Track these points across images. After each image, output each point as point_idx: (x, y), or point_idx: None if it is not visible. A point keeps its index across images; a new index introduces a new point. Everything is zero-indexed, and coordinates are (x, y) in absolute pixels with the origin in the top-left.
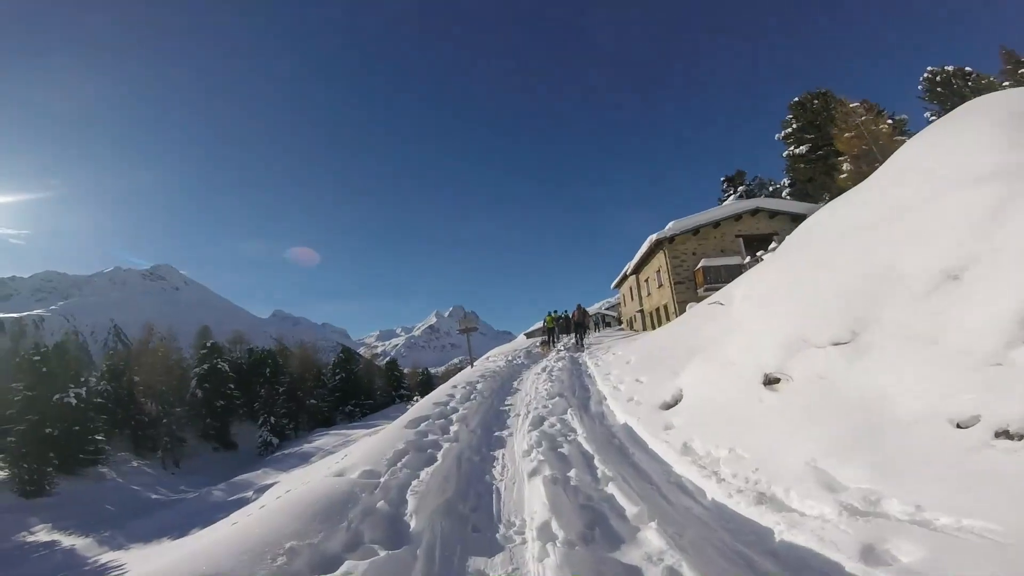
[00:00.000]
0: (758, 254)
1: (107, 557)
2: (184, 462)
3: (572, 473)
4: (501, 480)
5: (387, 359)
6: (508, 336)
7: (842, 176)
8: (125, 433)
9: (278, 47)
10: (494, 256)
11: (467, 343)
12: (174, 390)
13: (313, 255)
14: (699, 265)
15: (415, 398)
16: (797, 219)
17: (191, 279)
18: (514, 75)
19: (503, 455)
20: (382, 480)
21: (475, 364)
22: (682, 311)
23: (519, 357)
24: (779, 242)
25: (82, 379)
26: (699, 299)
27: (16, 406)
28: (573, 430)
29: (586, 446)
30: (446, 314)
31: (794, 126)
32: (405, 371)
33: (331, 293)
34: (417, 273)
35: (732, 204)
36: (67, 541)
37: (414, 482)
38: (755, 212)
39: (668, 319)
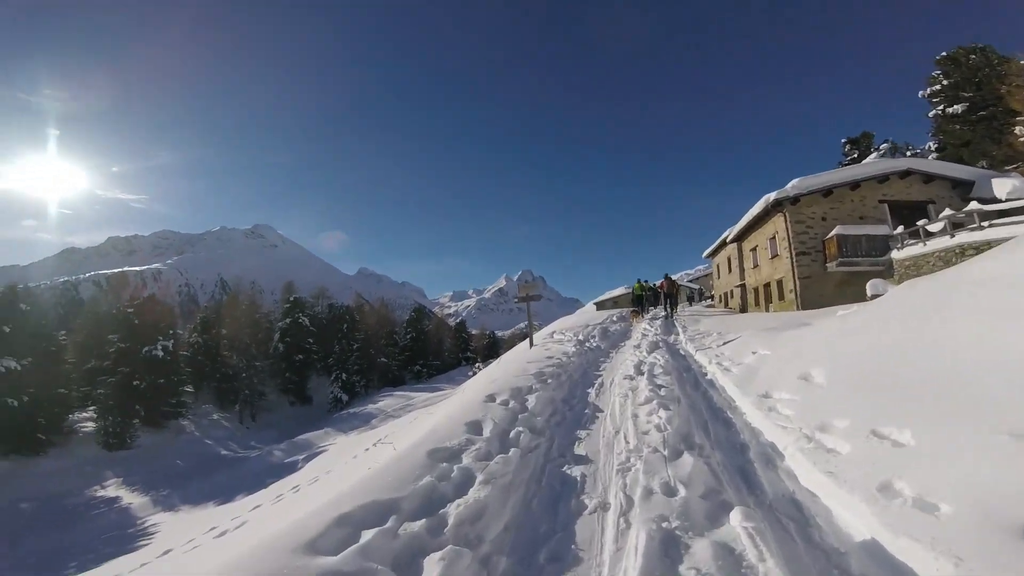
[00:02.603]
0: (921, 223)
1: (153, 520)
2: (261, 416)
3: None
4: None
5: (458, 320)
6: (575, 304)
7: (1021, 139)
8: (211, 386)
9: (377, 34)
10: (565, 222)
11: (528, 314)
12: (259, 343)
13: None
14: (832, 233)
15: (476, 365)
16: (959, 186)
17: (287, 238)
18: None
19: None
20: None
21: (536, 341)
22: (804, 288)
23: (593, 337)
24: (938, 212)
25: (171, 332)
26: (828, 274)
27: (111, 358)
28: None
29: None
30: (515, 278)
31: (944, 83)
32: (473, 332)
33: (412, 253)
34: (491, 236)
35: (877, 162)
36: (128, 498)
37: None
38: (906, 174)
39: (782, 297)
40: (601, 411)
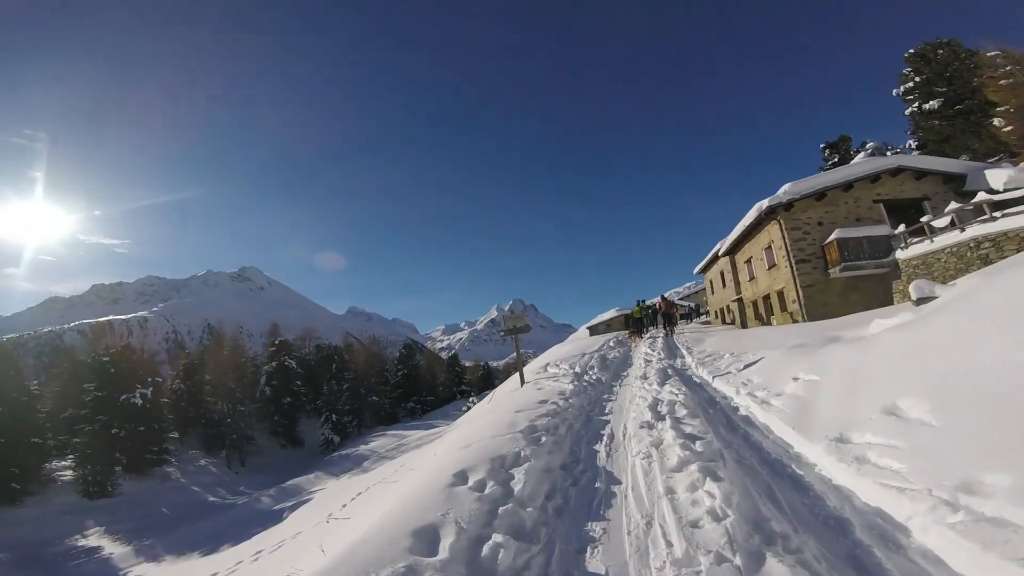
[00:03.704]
0: (926, 219)
1: (136, 571)
2: (250, 460)
3: None
4: None
5: (451, 353)
6: (568, 330)
7: (1007, 129)
8: (197, 431)
9: (360, 62)
10: (554, 249)
11: (516, 349)
12: (245, 388)
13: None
14: (832, 237)
15: (471, 399)
16: (952, 180)
17: (274, 280)
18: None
19: None
20: None
21: (528, 376)
22: (808, 297)
23: (591, 368)
24: (933, 209)
25: (149, 379)
26: (831, 281)
27: (87, 407)
28: None
29: None
30: (506, 307)
31: (916, 80)
32: (467, 365)
33: (402, 289)
34: (481, 267)
35: (867, 161)
36: (110, 548)
37: None
38: (897, 171)
39: (784, 309)
40: (618, 483)
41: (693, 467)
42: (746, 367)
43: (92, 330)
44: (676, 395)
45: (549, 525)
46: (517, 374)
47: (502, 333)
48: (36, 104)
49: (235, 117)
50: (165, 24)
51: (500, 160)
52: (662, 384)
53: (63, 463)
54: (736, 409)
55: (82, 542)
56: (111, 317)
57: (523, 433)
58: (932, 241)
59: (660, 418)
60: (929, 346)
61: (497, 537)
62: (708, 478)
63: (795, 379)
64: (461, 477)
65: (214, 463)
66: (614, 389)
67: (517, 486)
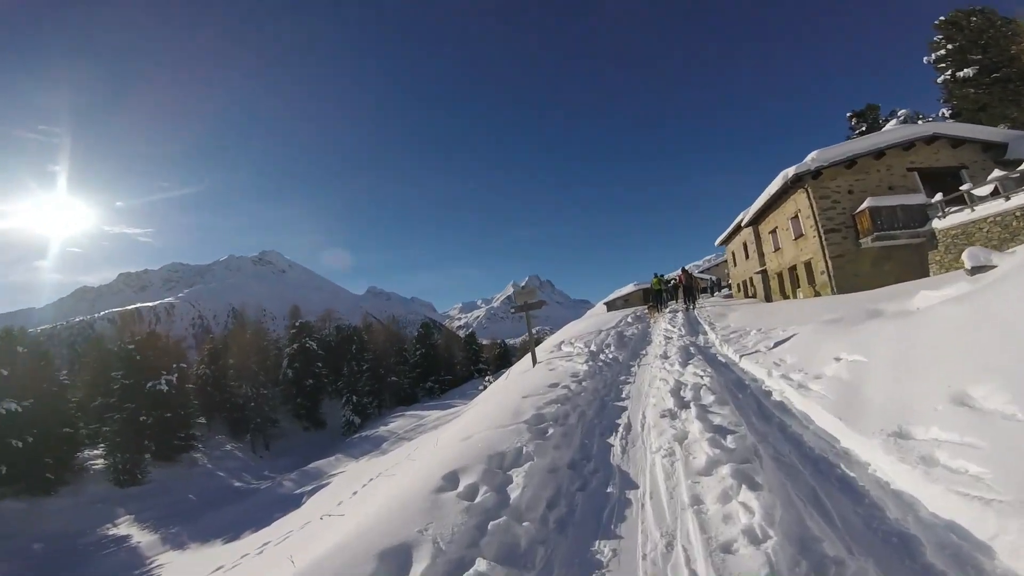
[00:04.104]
0: (966, 188)
1: (161, 559)
2: (275, 443)
3: None
4: None
5: (468, 331)
6: (585, 306)
7: None
8: (223, 416)
9: (369, 49)
10: (570, 223)
11: (528, 326)
12: (268, 371)
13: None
14: (864, 206)
15: (487, 378)
16: (991, 148)
17: (295, 262)
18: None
19: None
20: None
21: (541, 355)
22: (838, 268)
23: (608, 346)
24: (972, 177)
25: (174, 365)
26: (863, 251)
27: (115, 395)
28: None
29: None
30: (522, 284)
31: (948, 47)
32: (484, 343)
33: (419, 267)
34: (497, 244)
35: (899, 128)
36: (139, 536)
37: None
38: (932, 139)
39: (812, 281)
40: (634, 487)
41: (725, 470)
42: (777, 345)
43: (121, 318)
44: (701, 377)
45: (548, 544)
46: (525, 358)
47: (512, 310)
48: (52, 100)
49: (249, 106)
50: (177, 19)
51: (516, 137)
52: (684, 364)
53: (95, 452)
54: (768, 394)
55: (113, 531)
56: (139, 304)
57: (528, 424)
58: (973, 210)
59: (684, 405)
60: (998, 322)
61: (481, 564)
62: (744, 485)
63: (836, 359)
64: (451, 480)
65: (239, 447)
66: (632, 370)
67: (515, 492)
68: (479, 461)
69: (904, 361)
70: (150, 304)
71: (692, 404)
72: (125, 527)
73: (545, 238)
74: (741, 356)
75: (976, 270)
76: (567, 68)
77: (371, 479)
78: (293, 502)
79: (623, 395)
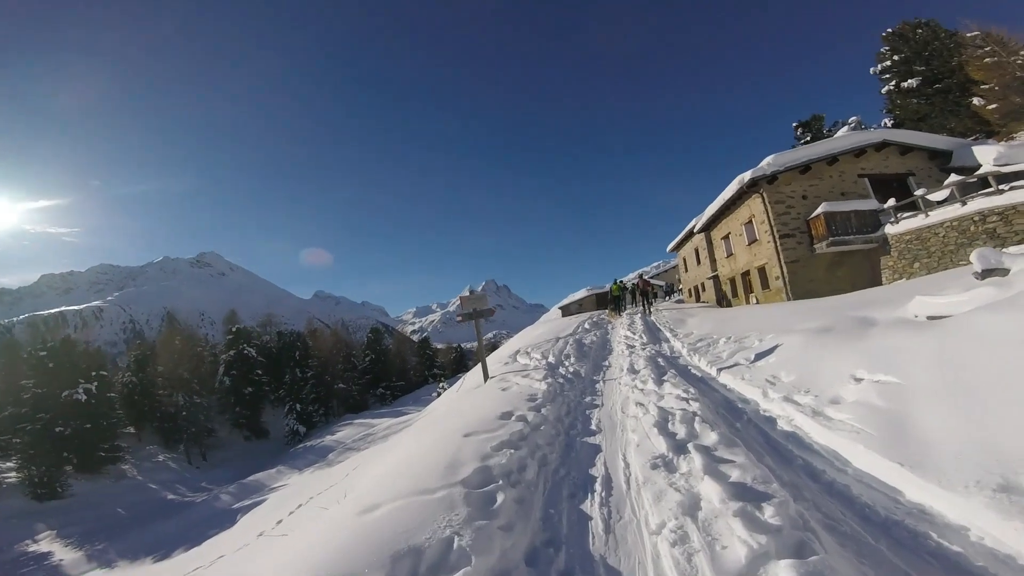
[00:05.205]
0: (919, 193)
1: None
2: (212, 453)
3: None
4: None
5: (423, 336)
6: (540, 310)
7: (990, 108)
8: (153, 426)
9: (302, 45)
10: (526, 229)
11: (478, 337)
12: (203, 378)
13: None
14: (818, 211)
15: (441, 385)
16: (937, 156)
17: (236, 265)
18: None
19: None
20: None
21: (495, 368)
22: (793, 273)
23: (568, 357)
24: (918, 184)
25: (94, 373)
26: (817, 256)
27: (27, 404)
28: None
29: None
30: (479, 288)
31: (894, 58)
32: (439, 347)
33: (371, 272)
34: (453, 248)
35: (851, 135)
36: (61, 553)
37: None
38: (882, 146)
39: (766, 286)
40: None
41: (782, 572)
42: (760, 357)
43: (44, 322)
44: (686, 402)
45: None
46: (473, 372)
47: (459, 318)
48: None
49: (189, 101)
50: (115, 7)
51: (470, 140)
52: (659, 382)
53: (7, 464)
54: (771, 421)
55: (32, 547)
56: (63, 308)
57: (466, 486)
58: (927, 215)
59: (679, 448)
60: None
61: None
62: None
63: (856, 380)
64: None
65: (173, 458)
66: (597, 387)
67: None
68: (377, 569)
69: (957, 384)
70: (75, 308)
71: (691, 446)
72: (46, 543)
73: (501, 244)
74: (719, 370)
75: (987, 273)
76: (523, 75)
77: (299, 506)
78: (229, 518)
79: (592, 425)
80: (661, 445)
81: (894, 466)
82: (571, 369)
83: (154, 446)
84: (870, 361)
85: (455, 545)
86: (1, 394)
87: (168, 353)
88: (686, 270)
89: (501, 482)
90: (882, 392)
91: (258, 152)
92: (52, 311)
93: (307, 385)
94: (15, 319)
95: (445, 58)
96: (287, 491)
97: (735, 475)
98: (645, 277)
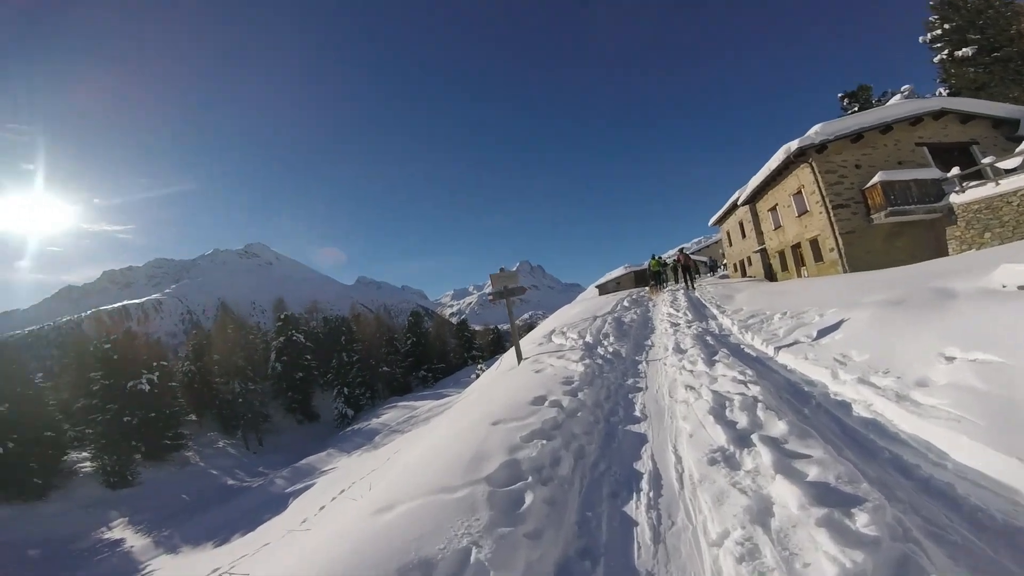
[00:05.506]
0: (988, 160)
1: (153, 564)
2: (268, 438)
3: None
4: None
5: (461, 318)
6: (576, 289)
7: None
8: (213, 413)
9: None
10: (561, 207)
11: (510, 318)
12: (256, 365)
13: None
14: (875, 180)
15: (479, 367)
16: (1001, 125)
17: (282, 255)
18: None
19: None
20: None
21: (528, 349)
22: (848, 244)
23: (606, 336)
24: (983, 153)
25: (155, 364)
26: (874, 227)
27: (97, 396)
28: None
29: None
30: (514, 269)
31: (945, 27)
32: (477, 329)
33: (410, 256)
34: (489, 230)
35: (906, 103)
36: (132, 540)
37: None
38: (940, 115)
39: (819, 258)
40: None
41: None
42: (822, 334)
43: (110, 316)
44: (744, 384)
45: None
46: (508, 355)
47: (490, 298)
48: (25, 98)
49: (233, 99)
50: (153, 11)
51: (505, 120)
52: (711, 362)
53: (83, 454)
54: (845, 407)
55: (107, 535)
56: (126, 302)
57: (491, 484)
58: (998, 184)
59: (741, 438)
60: None
61: None
62: None
63: (947, 358)
64: None
65: (232, 444)
66: (640, 368)
67: None
68: None
69: None
70: (137, 301)
71: (755, 437)
72: (120, 530)
73: (536, 223)
74: (777, 348)
75: None
76: (559, 60)
77: (333, 499)
78: (282, 502)
79: (636, 412)
80: (719, 436)
81: (1009, 460)
82: (611, 349)
83: (214, 432)
84: (961, 337)
85: (472, 559)
86: (74, 386)
87: (223, 342)
88: (730, 244)
89: (530, 479)
90: (981, 373)
91: (300, 146)
92: (115, 305)
93: (353, 369)
94: (83, 314)
95: (485, 48)
96: (335, 474)
97: (813, 473)
98: (686, 252)
